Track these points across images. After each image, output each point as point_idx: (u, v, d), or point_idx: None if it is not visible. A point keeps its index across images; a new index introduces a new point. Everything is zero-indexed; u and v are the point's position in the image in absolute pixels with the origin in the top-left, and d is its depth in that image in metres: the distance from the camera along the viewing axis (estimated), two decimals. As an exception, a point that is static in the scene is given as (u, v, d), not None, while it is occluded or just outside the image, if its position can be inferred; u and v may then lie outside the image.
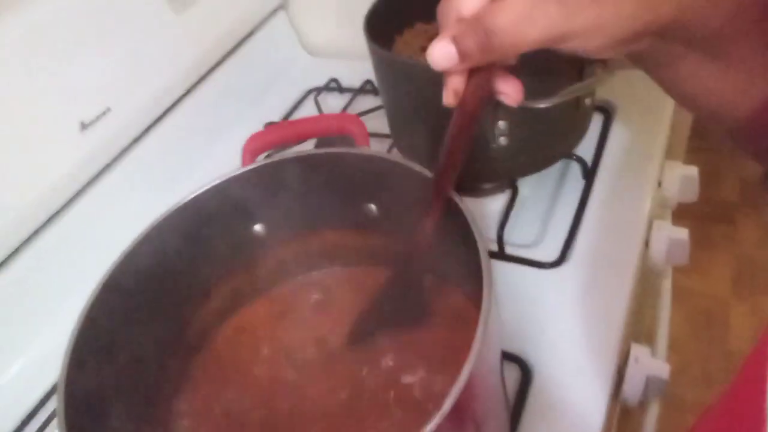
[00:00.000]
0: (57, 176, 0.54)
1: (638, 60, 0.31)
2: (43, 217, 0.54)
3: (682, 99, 0.32)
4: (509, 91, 0.30)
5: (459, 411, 0.25)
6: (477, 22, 0.26)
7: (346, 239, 0.43)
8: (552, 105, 0.43)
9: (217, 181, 0.39)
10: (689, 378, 1.26)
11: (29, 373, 0.52)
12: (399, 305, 0.38)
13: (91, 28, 0.56)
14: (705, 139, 1.10)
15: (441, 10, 0.29)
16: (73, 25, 0.55)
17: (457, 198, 0.33)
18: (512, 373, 0.44)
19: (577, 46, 0.27)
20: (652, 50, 0.29)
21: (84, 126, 0.56)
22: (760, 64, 0.28)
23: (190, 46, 0.67)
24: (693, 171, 0.59)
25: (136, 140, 0.63)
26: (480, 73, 0.29)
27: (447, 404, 0.23)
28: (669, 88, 0.32)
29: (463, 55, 0.27)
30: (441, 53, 0.27)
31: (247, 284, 0.43)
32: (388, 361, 0.37)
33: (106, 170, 0.60)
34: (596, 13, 0.26)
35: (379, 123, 0.64)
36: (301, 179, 0.40)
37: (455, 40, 0.27)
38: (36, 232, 0.54)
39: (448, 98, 0.30)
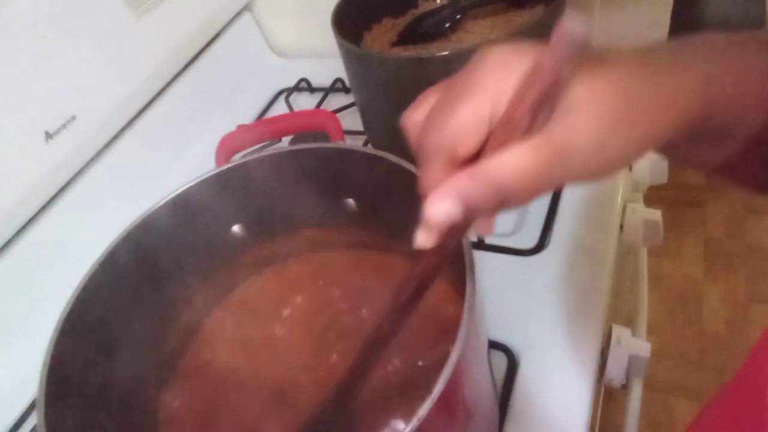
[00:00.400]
0: (23, 189, 0.52)
1: None
2: (11, 231, 0.52)
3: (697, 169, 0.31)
4: (485, 229, 0.26)
5: (449, 396, 0.25)
6: (483, 174, 0.21)
7: (327, 236, 0.43)
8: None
9: (192, 183, 0.38)
10: (667, 359, 1.29)
11: (4, 392, 0.50)
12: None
13: (51, 35, 0.55)
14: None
15: (427, 135, 0.24)
16: (33, 32, 0.53)
17: None
18: (499, 362, 0.45)
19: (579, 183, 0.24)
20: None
21: (49, 135, 0.54)
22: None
23: (155, 50, 0.66)
24: (662, 154, 0.61)
25: (105, 147, 0.61)
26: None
27: (437, 389, 0.23)
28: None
29: (469, 212, 0.22)
30: (444, 211, 0.22)
31: (226, 283, 0.42)
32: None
33: (74, 180, 0.58)
34: (618, 157, 0.22)
35: (352, 120, 0.64)
36: (277, 177, 0.39)
37: (464, 197, 0.22)
38: (3, 247, 0.52)
39: (421, 241, 0.23)
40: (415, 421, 0.23)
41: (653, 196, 0.69)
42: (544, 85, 0.21)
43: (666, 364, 1.28)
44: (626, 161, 0.23)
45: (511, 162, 0.21)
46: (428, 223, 0.22)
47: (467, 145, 0.23)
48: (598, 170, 0.22)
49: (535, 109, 0.21)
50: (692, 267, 1.44)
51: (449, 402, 0.25)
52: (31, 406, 0.49)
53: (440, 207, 0.22)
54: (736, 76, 0.25)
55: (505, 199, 0.22)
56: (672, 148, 0.25)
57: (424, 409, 0.23)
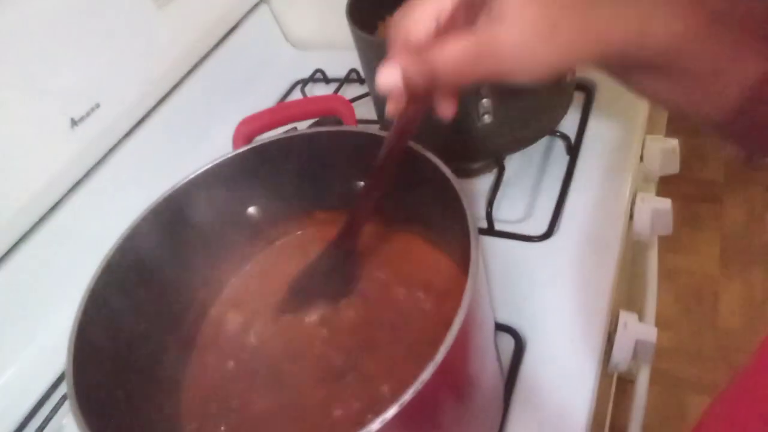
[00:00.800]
0: (50, 174, 0.54)
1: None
2: (38, 215, 0.54)
3: (649, 101, 0.33)
4: (445, 111, 0.32)
5: (452, 362, 0.26)
6: (424, 56, 0.28)
7: (340, 219, 0.44)
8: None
9: (210, 165, 0.40)
10: (682, 355, 1.28)
11: (34, 365, 0.53)
12: (330, 276, 0.41)
13: (76, 25, 0.57)
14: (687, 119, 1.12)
15: (393, 26, 0.30)
16: (59, 22, 0.55)
17: (448, 173, 0.34)
18: (506, 345, 0.46)
19: (513, 79, 0.28)
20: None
21: (74, 122, 0.56)
22: (710, 80, 0.27)
23: (174, 41, 0.67)
24: (673, 143, 0.61)
25: (127, 135, 0.63)
26: (422, 95, 0.30)
27: (440, 353, 0.24)
28: (632, 90, 0.32)
29: (407, 83, 0.29)
30: (387, 78, 0.29)
31: (242, 261, 0.44)
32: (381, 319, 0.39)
33: (98, 166, 0.60)
34: (535, 51, 0.26)
35: (366, 110, 0.65)
36: (292, 160, 0.41)
37: (402, 69, 0.28)
38: (31, 230, 0.54)
39: (389, 110, 0.32)
40: (418, 384, 0.24)
41: (669, 190, 0.70)
42: None
43: (681, 360, 1.27)
44: (560, 65, 0.27)
45: (445, 50, 0.27)
46: (380, 87, 0.29)
47: (416, 34, 0.29)
48: (532, 70, 0.27)
49: (470, 15, 0.27)
50: (708, 263, 1.43)
51: (452, 368, 0.27)
52: (61, 377, 0.52)
53: (386, 73, 0.29)
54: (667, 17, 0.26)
55: (436, 77, 0.28)
56: (609, 69, 0.30)
57: (427, 372, 0.24)
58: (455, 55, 0.27)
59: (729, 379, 0.28)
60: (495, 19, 0.26)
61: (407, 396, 0.24)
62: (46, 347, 0.54)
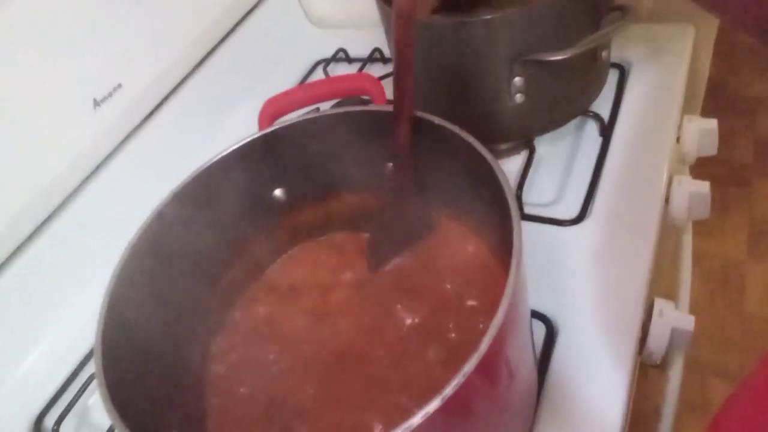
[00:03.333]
0: (74, 154, 0.54)
1: None
2: (63, 196, 0.54)
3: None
4: None
5: (495, 353, 0.25)
6: None
7: (366, 200, 0.43)
8: (570, 56, 0.42)
9: (237, 146, 0.39)
10: (707, 341, 1.26)
11: (61, 344, 0.53)
12: (403, 225, 0.41)
13: (97, 5, 0.56)
14: (718, 100, 1.09)
15: None
16: (78, 3, 0.54)
17: (486, 154, 0.32)
18: (537, 331, 0.44)
19: None
20: None
21: (97, 103, 0.56)
22: None
23: (196, 20, 0.66)
24: (712, 124, 0.58)
25: (149, 115, 0.62)
26: None
27: (484, 343, 0.23)
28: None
29: None
30: None
31: (269, 248, 0.43)
32: (415, 314, 0.38)
33: (121, 146, 0.60)
34: None
35: (390, 91, 0.63)
36: (320, 141, 0.40)
37: None
38: (56, 211, 0.54)
39: None
40: (460, 377, 0.23)
41: (699, 172, 0.67)
42: None
43: (705, 345, 1.25)
44: None
45: None
46: None
47: None
48: None
49: None
50: (735, 247, 1.39)
51: (494, 359, 0.25)
52: (88, 356, 0.52)
53: None
54: None
55: None
56: None
57: (470, 364, 0.23)
58: None
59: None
60: None
61: (449, 390, 0.23)
62: (73, 327, 0.54)
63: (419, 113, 0.36)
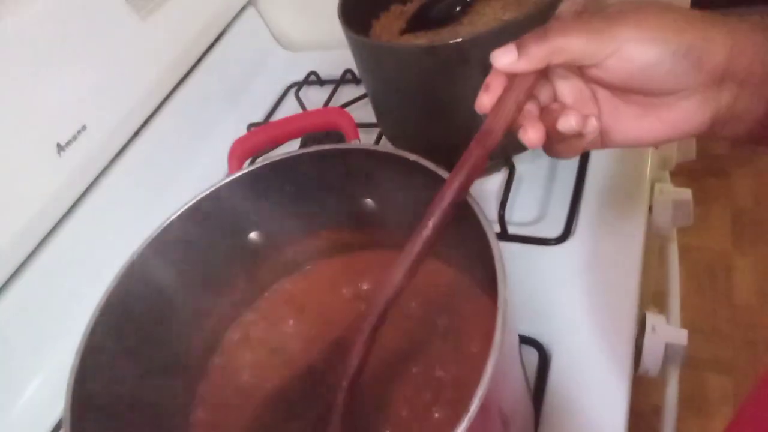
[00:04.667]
0: (39, 203, 0.51)
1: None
2: (30, 247, 0.52)
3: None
4: (533, 137, 0.30)
5: (486, 410, 0.23)
6: (545, 37, 0.28)
7: (345, 237, 0.42)
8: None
9: (206, 192, 0.37)
10: (698, 334, 1.26)
11: (28, 412, 0.50)
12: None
13: (57, 44, 0.54)
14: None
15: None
16: (39, 43, 0.52)
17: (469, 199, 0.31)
18: (529, 357, 0.43)
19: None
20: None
21: (61, 147, 0.53)
22: None
23: (162, 52, 0.65)
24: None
25: (117, 156, 0.60)
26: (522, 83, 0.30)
27: (474, 405, 0.22)
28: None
29: (527, 65, 0.28)
30: (508, 60, 0.29)
31: (247, 290, 0.42)
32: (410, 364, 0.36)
33: (89, 191, 0.58)
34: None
35: (364, 112, 0.62)
36: (292, 181, 0.38)
37: (525, 47, 0.28)
38: (22, 265, 0.52)
39: (484, 103, 0.31)
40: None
41: (677, 168, 0.67)
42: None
43: (697, 339, 1.24)
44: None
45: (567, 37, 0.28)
46: (496, 62, 0.29)
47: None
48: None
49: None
50: (720, 239, 1.40)
51: (486, 416, 0.24)
52: (58, 425, 0.49)
53: (505, 54, 0.29)
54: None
55: (552, 56, 0.28)
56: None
57: (461, 428, 0.22)
58: (577, 38, 0.28)
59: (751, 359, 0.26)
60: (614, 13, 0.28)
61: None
62: (41, 390, 0.51)
63: (392, 150, 0.35)
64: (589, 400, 0.41)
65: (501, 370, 0.25)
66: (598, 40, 0.28)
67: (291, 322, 0.42)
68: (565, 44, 0.28)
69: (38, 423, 0.49)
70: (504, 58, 0.29)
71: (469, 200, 0.30)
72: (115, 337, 0.34)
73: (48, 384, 0.51)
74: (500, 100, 0.30)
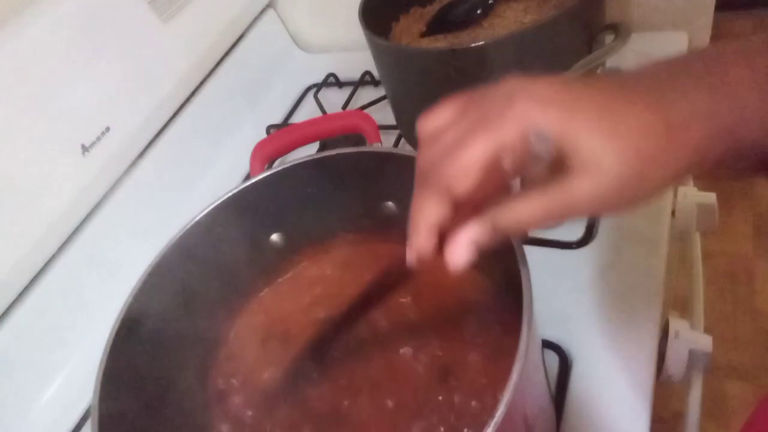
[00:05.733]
0: (64, 203, 0.52)
1: None
2: (56, 245, 0.53)
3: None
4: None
5: (511, 417, 0.23)
6: (494, 225, 0.25)
7: (367, 240, 0.42)
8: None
9: (229, 195, 0.37)
10: (718, 340, 1.23)
11: (53, 408, 0.51)
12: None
13: (81, 47, 0.55)
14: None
15: (431, 165, 0.25)
16: (63, 46, 0.53)
17: None
18: (551, 361, 0.43)
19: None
20: None
21: (85, 149, 0.54)
22: None
23: (182, 55, 0.65)
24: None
25: (140, 156, 0.61)
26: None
27: (499, 412, 0.22)
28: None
29: (479, 251, 0.25)
30: (463, 259, 0.25)
31: (267, 291, 0.42)
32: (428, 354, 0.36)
33: (113, 190, 0.58)
34: (621, 198, 0.23)
35: (383, 115, 0.62)
36: (314, 184, 0.38)
37: (476, 246, 0.25)
38: (49, 262, 0.53)
39: (413, 260, 0.27)
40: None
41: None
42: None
43: (716, 345, 1.22)
44: (650, 197, 0.23)
45: (513, 210, 0.24)
46: (451, 266, 0.25)
47: (466, 186, 0.23)
48: (617, 210, 0.24)
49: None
50: (742, 244, 1.38)
51: (511, 421, 0.24)
52: (85, 416, 0.50)
53: (460, 255, 0.25)
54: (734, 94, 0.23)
55: (497, 236, 0.25)
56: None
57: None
58: (525, 214, 0.24)
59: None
60: (573, 172, 0.22)
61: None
62: (68, 385, 0.52)
63: (413, 153, 0.35)
64: (611, 406, 0.40)
65: (526, 375, 0.24)
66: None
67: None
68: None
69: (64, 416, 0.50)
70: (460, 260, 0.25)
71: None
72: (140, 332, 0.34)
73: (71, 383, 0.52)
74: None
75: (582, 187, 0.22)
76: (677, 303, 0.67)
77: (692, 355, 0.45)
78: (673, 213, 0.54)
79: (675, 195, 0.54)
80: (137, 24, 0.60)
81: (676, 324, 0.46)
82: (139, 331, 0.34)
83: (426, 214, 0.25)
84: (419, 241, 0.26)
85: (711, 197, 0.53)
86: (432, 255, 0.26)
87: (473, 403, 0.33)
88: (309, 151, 0.48)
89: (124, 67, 0.58)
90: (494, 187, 0.25)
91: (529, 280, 0.26)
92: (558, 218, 0.24)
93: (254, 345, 0.41)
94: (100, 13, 0.56)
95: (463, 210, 0.25)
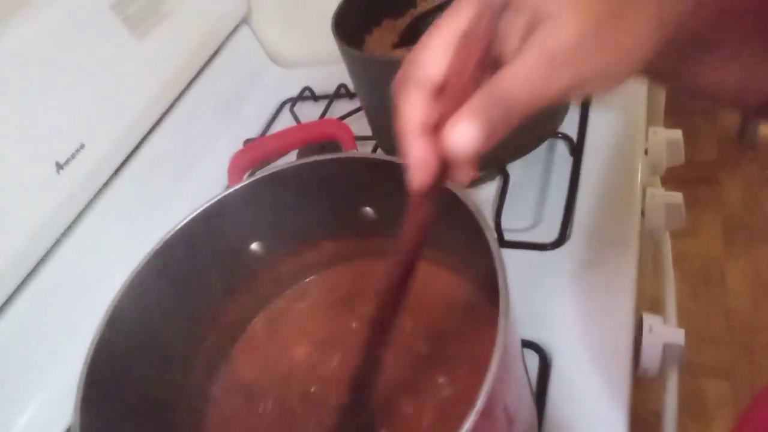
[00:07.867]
0: (39, 221, 0.52)
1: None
2: (30, 265, 0.52)
3: (692, 94, 0.30)
4: (464, 176, 0.24)
5: (491, 406, 0.24)
6: (503, 92, 0.21)
7: (346, 246, 0.42)
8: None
9: (207, 204, 0.38)
10: (693, 339, 1.26)
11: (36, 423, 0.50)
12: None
13: (55, 64, 0.54)
14: (678, 101, 1.11)
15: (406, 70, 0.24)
16: (37, 63, 0.53)
17: (459, 192, 0.32)
18: (531, 361, 0.44)
19: (596, 89, 0.23)
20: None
21: (59, 166, 0.54)
22: (752, 59, 0.26)
23: (157, 71, 0.65)
24: (677, 134, 0.60)
25: (115, 174, 0.61)
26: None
27: (480, 400, 0.22)
28: (674, 87, 0.30)
29: (490, 135, 0.21)
30: (468, 137, 0.21)
31: (249, 303, 0.42)
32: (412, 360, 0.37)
33: (88, 208, 0.58)
34: (613, 49, 0.22)
35: (359, 126, 0.63)
36: (292, 192, 0.39)
37: (482, 118, 0.21)
38: (23, 282, 0.52)
39: (419, 181, 0.23)
40: (460, 435, 0.22)
41: (667, 175, 0.68)
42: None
43: (692, 345, 1.25)
44: (635, 55, 0.22)
45: (512, 74, 0.21)
46: (453, 151, 0.21)
47: (437, 66, 0.22)
48: (607, 67, 0.22)
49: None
50: (712, 244, 1.42)
51: (492, 411, 0.25)
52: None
53: (463, 131, 0.20)
54: None
55: (516, 117, 0.22)
56: (660, 64, 0.25)
57: (468, 422, 0.22)
58: (527, 74, 0.21)
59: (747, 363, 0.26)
60: (542, 21, 0.21)
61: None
62: (45, 406, 0.51)
63: (391, 158, 0.35)
64: (591, 402, 0.41)
65: (505, 366, 0.25)
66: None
67: (292, 332, 0.43)
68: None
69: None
70: (470, 146, 0.21)
71: (469, 206, 0.31)
72: (117, 353, 0.34)
73: (48, 404, 0.51)
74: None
75: (563, 25, 0.21)
76: (652, 304, 0.68)
77: (666, 349, 0.46)
78: (642, 213, 0.55)
79: (644, 196, 0.56)
80: (111, 40, 0.60)
81: (650, 319, 0.47)
82: (115, 350, 0.34)
83: (407, 113, 0.23)
84: (412, 148, 0.22)
85: (678, 197, 0.55)
86: (433, 165, 0.22)
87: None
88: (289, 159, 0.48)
89: (99, 83, 0.58)
90: (479, 68, 0.22)
91: (503, 264, 0.27)
92: (563, 70, 0.21)
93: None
94: (73, 30, 0.56)
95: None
